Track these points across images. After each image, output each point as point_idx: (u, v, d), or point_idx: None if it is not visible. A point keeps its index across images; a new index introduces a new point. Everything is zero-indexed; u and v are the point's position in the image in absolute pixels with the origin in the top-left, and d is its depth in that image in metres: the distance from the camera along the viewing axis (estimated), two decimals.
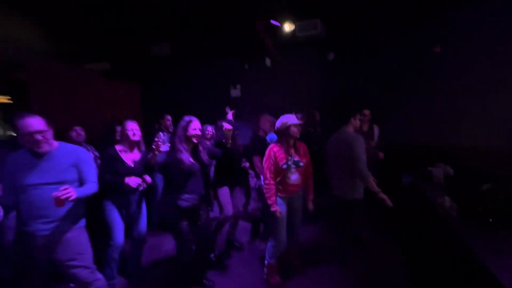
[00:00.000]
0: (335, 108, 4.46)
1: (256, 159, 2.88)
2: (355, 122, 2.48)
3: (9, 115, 5.23)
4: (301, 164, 2.21)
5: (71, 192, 1.42)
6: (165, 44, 4.92)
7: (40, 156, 1.58)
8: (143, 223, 2.30)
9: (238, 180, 2.83)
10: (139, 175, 2.14)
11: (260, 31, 4.17)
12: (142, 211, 2.31)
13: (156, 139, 1.89)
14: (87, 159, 1.72)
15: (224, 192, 2.69)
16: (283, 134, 2.18)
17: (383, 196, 2.26)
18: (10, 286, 2.27)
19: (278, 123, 2.22)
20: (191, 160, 2.05)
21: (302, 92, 5.14)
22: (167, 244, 3.02)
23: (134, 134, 2.18)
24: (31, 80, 4.30)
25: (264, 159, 2.20)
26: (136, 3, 3.49)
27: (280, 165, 2.14)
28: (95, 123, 3.94)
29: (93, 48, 4.86)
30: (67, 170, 1.62)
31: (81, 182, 1.68)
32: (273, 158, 2.16)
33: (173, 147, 2.05)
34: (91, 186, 1.67)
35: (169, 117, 3.68)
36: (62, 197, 1.40)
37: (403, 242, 2.87)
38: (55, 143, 1.66)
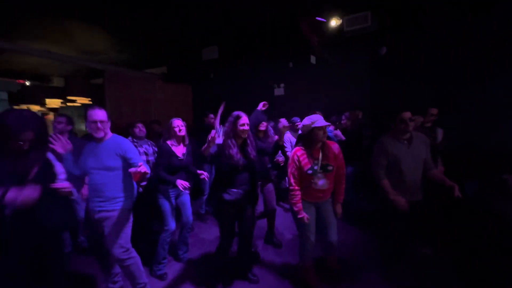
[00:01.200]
0: (383, 109, 4.15)
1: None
2: (398, 127, 2.20)
3: None
4: (330, 168, 2.06)
5: (143, 168, 1.64)
6: (213, 47, 5.24)
7: (97, 144, 1.91)
8: (189, 211, 2.57)
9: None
10: (188, 166, 2.43)
11: (305, 28, 4.11)
12: (187, 201, 2.58)
13: (213, 131, 1.94)
14: (131, 149, 1.94)
15: (270, 188, 2.81)
16: (307, 137, 2.07)
17: (397, 198, 2.08)
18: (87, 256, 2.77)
19: (301, 125, 2.09)
20: (239, 155, 2.07)
21: (348, 90, 4.90)
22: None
23: (180, 130, 2.43)
24: (105, 84, 5.07)
25: (288, 163, 2.12)
26: (188, 12, 3.81)
27: (304, 170, 2.03)
28: (160, 119, 4.47)
29: (153, 55, 5.48)
30: (113, 158, 1.89)
31: (125, 169, 1.91)
32: (296, 163, 2.06)
33: (222, 142, 2.13)
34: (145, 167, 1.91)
35: (211, 115, 3.92)
36: (141, 172, 1.62)
37: (460, 259, 2.53)
38: (110, 134, 1.95)
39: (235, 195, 2.07)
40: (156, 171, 2.38)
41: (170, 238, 2.47)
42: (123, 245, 1.92)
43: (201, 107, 5.93)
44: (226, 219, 2.13)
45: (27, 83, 6.75)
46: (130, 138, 2.99)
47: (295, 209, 2.07)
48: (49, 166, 1.51)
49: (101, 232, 1.93)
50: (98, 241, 2.22)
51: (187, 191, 2.41)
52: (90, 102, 5.97)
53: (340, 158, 2.14)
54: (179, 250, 2.69)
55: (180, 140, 2.49)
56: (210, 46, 5.37)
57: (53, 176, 1.50)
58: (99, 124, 1.84)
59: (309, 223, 2.10)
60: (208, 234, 3.32)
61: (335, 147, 2.14)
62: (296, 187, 2.07)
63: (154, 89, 5.63)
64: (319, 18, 3.88)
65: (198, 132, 3.82)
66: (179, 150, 2.47)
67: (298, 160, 2.06)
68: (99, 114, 1.85)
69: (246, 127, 2.07)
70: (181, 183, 2.23)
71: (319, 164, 2.05)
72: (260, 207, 2.73)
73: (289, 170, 2.10)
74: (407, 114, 2.17)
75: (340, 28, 3.92)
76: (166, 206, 2.41)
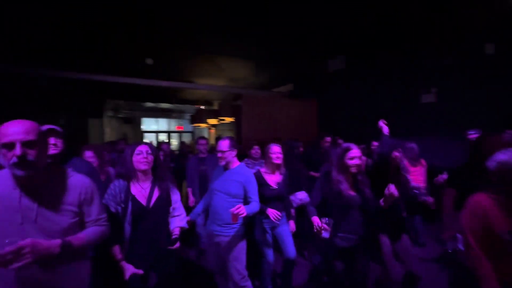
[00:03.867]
0: None
1: None
2: None
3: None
4: None
5: (243, 210, 1.72)
6: (340, 57, 4.84)
7: (225, 169, 2.09)
8: (288, 245, 2.33)
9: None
10: (282, 197, 2.24)
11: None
12: (286, 233, 2.36)
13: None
14: (252, 181, 2.03)
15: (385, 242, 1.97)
16: (505, 180, 1.28)
17: None
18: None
19: (496, 162, 1.31)
20: (351, 192, 1.81)
21: None
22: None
23: (277, 158, 2.28)
24: (242, 105, 5.95)
25: (464, 213, 1.39)
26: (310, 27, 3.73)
27: (497, 233, 1.28)
28: (283, 138, 4.69)
29: (281, 75, 5.85)
30: (236, 186, 2.00)
31: (245, 199, 2.00)
32: (481, 218, 1.32)
33: (327, 177, 1.87)
34: (255, 205, 1.96)
35: (328, 139, 3.47)
36: (236, 213, 1.69)
37: None
38: (237, 163, 2.09)
39: (349, 241, 1.80)
40: None
41: (271, 270, 2.36)
42: (241, 271, 1.96)
43: (326, 123, 5.64)
44: (334, 269, 1.87)
45: (201, 107, 9.23)
46: (246, 159, 3.16)
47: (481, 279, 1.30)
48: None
49: (221, 255, 2.08)
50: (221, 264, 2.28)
51: (284, 222, 2.26)
52: (234, 120, 7.31)
53: None
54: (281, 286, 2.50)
55: (275, 168, 2.35)
56: (337, 56, 5.02)
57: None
58: (219, 154, 2.06)
59: None
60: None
61: None
62: (482, 256, 1.32)
63: (280, 107, 5.98)
64: None
65: (309, 154, 3.55)
66: (273, 179, 2.33)
67: (485, 215, 1.32)
68: (221, 145, 2.04)
69: (357, 161, 1.79)
70: (273, 213, 2.11)
71: None
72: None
73: (465, 225, 1.39)
74: None
75: None
76: (260, 236, 2.33)
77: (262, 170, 2.36)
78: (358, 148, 1.84)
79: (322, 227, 1.70)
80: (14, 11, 3.06)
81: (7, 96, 4.65)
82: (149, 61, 4.55)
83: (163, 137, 11.28)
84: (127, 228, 1.58)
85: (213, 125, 9.39)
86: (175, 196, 1.79)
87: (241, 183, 1.98)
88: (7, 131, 1.00)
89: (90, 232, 1.20)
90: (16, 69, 4.15)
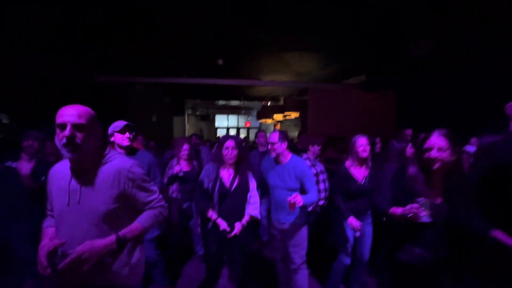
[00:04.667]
0: None
1: None
2: None
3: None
4: None
5: (299, 199, 1.79)
6: (425, 40, 4.12)
7: (277, 163, 2.13)
8: (365, 246, 2.24)
9: None
10: (368, 192, 2.13)
11: None
12: (368, 235, 2.24)
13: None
14: (307, 173, 2.04)
15: None
16: None
17: None
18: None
19: None
20: (435, 198, 1.42)
21: None
22: None
23: (364, 150, 2.12)
24: (309, 99, 5.80)
25: None
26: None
27: None
28: (354, 132, 4.37)
29: (352, 65, 5.40)
30: (293, 181, 2.04)
31: (302, 191, 2.03)
32: None
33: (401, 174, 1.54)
34: (312, 196, 1.99)
35: (408, 131, 3.05)
36: (293, 202, 1.78)
37: None
38: (289, 156, 2.11)
39: (419, 258, 1.43)
40: (332, 195, 2.30)
41: (343, 272, 2.27)
42: (303, 256, 2.10)
43: (405, 118, 4.93)
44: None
45: (267, 103, 9.45)
46: (304, 155, 3.00)
47: None
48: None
49: (285, 242, 2.18)
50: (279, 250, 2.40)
51: (369, 222, 2.19)
52: (299, 115, 7.19)
53: None
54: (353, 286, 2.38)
55: (362, 161, 2.19)
56: (421, 39, 4.28)
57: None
58: (270, 146, 2.10)
59: None
60: None
61: None
62: None
63: (351, 100, 5.55)
64: None
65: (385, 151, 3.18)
66: (360, 173, 2.19)
67: None
68: (272, 137, 2.09)
69: (436, 154, 1.34)
70: (353, 223, 2.04)
71: None
72: None
73: None
74: None
75: None
76: (340, 235, 2.25)
77: (348, 163, 2.23)
78: (443, 136, 1.36)
79: (418, 209, 1.34)
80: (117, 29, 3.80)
81: (117, 100, 5.85)
82: (220, 61, 4.93)
83: (233, 133, 12.12)
84: (215, 202, 1.95)
85: (279, 121, 9.50)
86: (253, 184, 2.06)
87: (297, 176, 2.02)
88: (62, 113, 1.05)
89: (144, 218, 1.19)
90: (119, 78, 5.16)
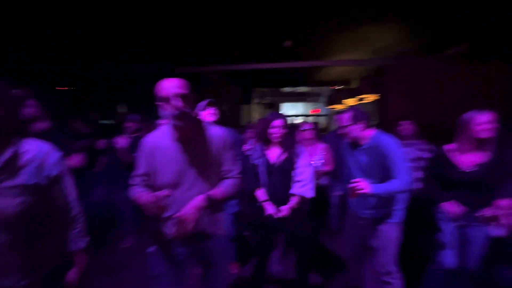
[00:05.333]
0: None
1: None
2: None
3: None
4: None
5: (364, 186, 1.46)
6: None
7: (354, 148, 1.81)
8: (474, 255, 1.71)
9: None
10: (482, 184, 1.62)
11: None
12: (479, 239, 1.68)
13: None
14: (393, 153, 1.61)
15: None
16: None
17: None
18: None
19: None
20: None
21: None
22: None
23: (484, 130, 1.61)
24: (389, 79, 5.02)
25: None
26: None
27: None
28: (453, 113, 3.60)
29: (448, 34, 4.37)
30: (372, 166, 1.68)
31: (388, 177, 1.61)
32: None
33: None
34: (395, 183, 1.55)
35: None
36: (355, 188, 1.46)
37: None
38: (369, 135, 1.71)
39: None
40: (426, 184, 1.89)
41: (443, 277, 1.82)
42: (386, 265, 1.72)
43: None
44: None
45: (336, 88, 8.76)
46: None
47: None
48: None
49: (364, 240, 1.90)
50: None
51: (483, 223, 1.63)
52: (378, 98, 6.33)
53: None
54: None
55: (479, 144, 1.67)
56: None
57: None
58: (341, 130, 1.81)
59: None
60: None
61: None
62: None
63: (443, 76, 4.54)
64: None
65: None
66: (469, 160, 1.69)
67: None
68: (342, 119, 1.76)
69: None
70: (451, 208, 1.62)
71: None
72: None
73: None
74: None
75: None
76: (440, 231, 1.82)
77: (449, 147, 1.80)
78: None
79: None
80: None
81: (196, 87, 6.37)
82: (288, 43, 4.72)
83: (299, 121, 11.83)
84: (263, 179, 1.89)
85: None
86: (301, 161, 1.88)
87: (379, 158, 1.64)
88: (165, 86, 1.13)
89: (226, 186, 1.27)
90: (198, 69, 5.56)
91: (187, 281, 1.46)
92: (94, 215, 2.43)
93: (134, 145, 2.76)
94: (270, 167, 1.89)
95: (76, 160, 1.93)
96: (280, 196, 1.86)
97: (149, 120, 2.91)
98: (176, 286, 1.32)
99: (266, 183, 1.89)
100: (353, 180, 1.49)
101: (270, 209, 1.83)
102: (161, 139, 1.25)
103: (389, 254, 1.70)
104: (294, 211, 1.82)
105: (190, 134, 1.21)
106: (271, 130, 1.87)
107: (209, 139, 1.24)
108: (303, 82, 8.98)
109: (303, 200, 1.86)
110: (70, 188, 1.00)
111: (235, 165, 1.33)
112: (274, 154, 1.92)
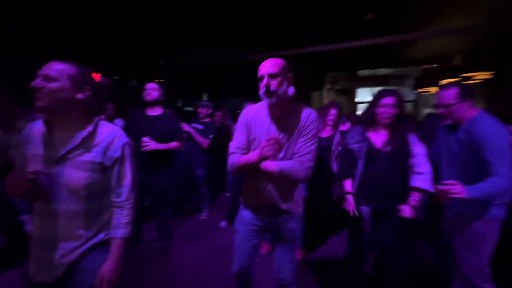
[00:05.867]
0: None
1: None
2: None
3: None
4: None
5: (459, 189, 1.19)
6: None
7: (451, 132, 1.50)
8: None
9: None
10: None
11: None
12: None
13: None
14: (491, 141, 1.30)
15: None
16: None
17: None
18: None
19: None
20: None
21: None
22: None
23: None
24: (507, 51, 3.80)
25: None
26: None
27: None
28: None
29: None
30: (468, 152, 1.39)
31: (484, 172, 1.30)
32: None
33: None
34: (495, 182, 1.26)
35: None
36: (445, 191, 1.21)
37: None
38: (471, 115, 1.41)
39: None
40: None
41: None
42: (475, 265, 1.44)
43: None
44: None
45: (432, 67, 7.28)
46: None
47: None
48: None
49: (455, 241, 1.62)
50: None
51: None
52: (491, 76, 4.89)
53: None
54: None
55: None
56: None
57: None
58: (442, 109, 1.47)
59: None
60: None
61: None
62: None
63: None
64: None
65: None
66: None
67: None
68: (445, 97, 1.46)
69: None
70: None
71: None
72: None
73: None
74: None
75: None
76: None
77: None
78: None
79: None
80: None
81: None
82: (370, 16, 4.10)
83: None
84: (360, 165, 1.68)
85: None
86: (418, 149, 1.59)
87: (473, 145, 1.34)
88: (261, 67, 1.25)
89: (290, 164, 1.25)
90: (267, 54, 5.52)
91: (259, 252, 1.56)
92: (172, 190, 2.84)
93: (206, 129, 3.02)
94: (373, 153, 1.65)
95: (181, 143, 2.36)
96: (385, 188, 1.60)
97: (223, 106, 3.08)
98: (249, 256, 1.41)
99: (364, 172, 1.68)
100: (446, 182, 1.22)
101: (350, 205, 1.71)
102: (258, 112, 1.34)
103: (478, 253, 1.43)
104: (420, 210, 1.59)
105: (280, 111, 1.28)
106: (378, 110, 1.62)
107: (298, 119, 1.27)
108: (385, 63, 7.83)
109: (423, 196, 1.60)
110: (127, 173, 1.05)
111: (309, 148, 1.27)
112: (380, 138, 1.66)
